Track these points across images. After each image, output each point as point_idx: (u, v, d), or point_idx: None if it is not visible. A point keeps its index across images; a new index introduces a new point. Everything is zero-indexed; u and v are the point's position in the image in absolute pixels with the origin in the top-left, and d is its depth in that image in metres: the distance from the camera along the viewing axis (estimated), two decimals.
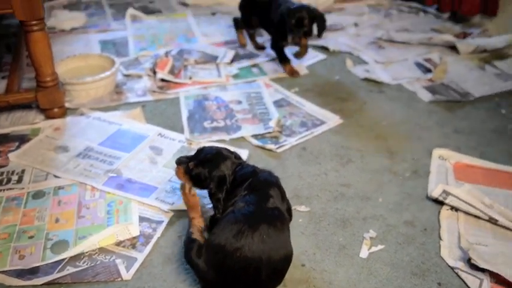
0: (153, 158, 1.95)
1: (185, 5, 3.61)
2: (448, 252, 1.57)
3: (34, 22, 1.98)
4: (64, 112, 2.21)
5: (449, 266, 1.52)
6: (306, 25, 2.47)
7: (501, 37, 2.99)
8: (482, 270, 1.49)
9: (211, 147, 1.61)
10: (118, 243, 1.55)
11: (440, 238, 1.63)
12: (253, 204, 1.36)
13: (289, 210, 1.52)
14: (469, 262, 1.51)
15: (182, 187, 1.55)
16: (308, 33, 2.54)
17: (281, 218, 1.38)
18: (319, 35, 2.58)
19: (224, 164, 1.52)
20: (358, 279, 1.46)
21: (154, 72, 2.52)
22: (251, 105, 2.33)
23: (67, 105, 2.26)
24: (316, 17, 2.51)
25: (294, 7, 2.50)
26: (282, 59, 2.68)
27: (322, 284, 1.44)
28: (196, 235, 1.43)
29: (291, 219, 1.52)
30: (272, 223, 1.32)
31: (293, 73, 2.64)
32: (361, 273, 1.48)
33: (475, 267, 1.49)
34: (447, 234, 1.64)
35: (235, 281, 1.29)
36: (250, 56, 2.82)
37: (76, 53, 2.60)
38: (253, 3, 2.77)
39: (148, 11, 3.47)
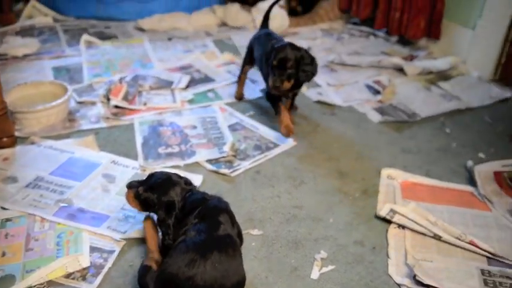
0: (106, 186, 1.93)
1: (142, 30, 3.63)
2: (395, 270, 1.63)
3: None
4: (14, 141, 2.16)
5: (396, 283, 1.57)
6: (289, 67, 2.15)
7: (445, 59, 3.16)
8: (427, 286, 1.54)
9: (161, 172, 1.63)
10: (68, 275, 1.52)
11: (388, 256, 1.68)
12: (204, 233, 1.38)
13: (239, 234, 1.55)
14: (414, 279, 1.57)
15: (145, 219, 1.57)
16: (291, 77, 2.18)
17: (232, 244, 1.40)
18: (306, 80, 2.25)
19: (173, 189, 1.54)
20: None
21: (108, 99, 2.51)
22: (206, 130, 2.36)
23: (17, 134, 2.22)
24: (304, 59, 2.18)
25: (278, 45, 2.22)
26: (277, 111, 2.32)
27: None
28: (152, 264, 1.44)
29: (242, 243, 1.54)
30: (224, 250, 1.34)
31: (288, 131, 2.22)
32: None
33: (420, 283, 1.55)
34: (394, 252, 1.70)
35: None
36: (205, 80, 2.86)
37: (28, 80, 2.56)
38: (256, 39, 2.54)
39: (104, 36, 3.46)
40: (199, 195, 1.55)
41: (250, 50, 2.57)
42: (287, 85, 2.19)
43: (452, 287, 1.54)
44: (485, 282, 1.58)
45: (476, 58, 3.05)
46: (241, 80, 2.66)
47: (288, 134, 2.23)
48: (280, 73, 2.16)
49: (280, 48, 2.18)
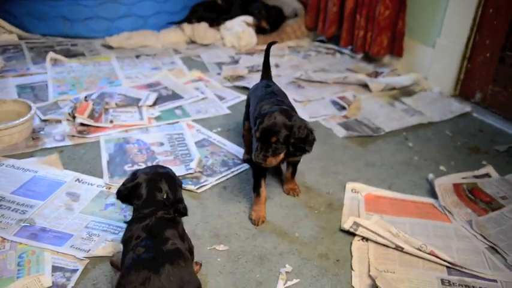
0: (70, 205, 1.91)
1: (109, 47, 3.62)
2: (359, 282, 1.66)
3: None
4: None
5: None
6: (274, 142, 1.72)
7: (407, 76, 3.26)
8: None
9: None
10: None
11: (352, 268, 1.71)
12: (153, 250, 1.37)
13: (190, 250, 1.53)
14: None
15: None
16: (277, 153, 1.75)
17: (183, 256, 1.39)
18: (297, 154, 1.84)
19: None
20: None
21: (74, 117, 2.49)
22: (173, 147, 2.36)
23: None
24: (296, 132, 1.73)
25: (265, 111, 1.77)
26: (254, 189, 1.91)
27: None
28: None
29: (193, 260, 1.53)
30: (175, 263, 1.34)
31: (258, 221, 1.87)
32: None
33: None
34: (358, 264, 1.73)
35: None
36: (173, 97, 2.87)
37: None
38: (252, 91, 2.20)
39: (70, 54, 3.44)
40: (148, 209, 1.51)
41: (247, 103, 2.21)
42: (272, 161, 1.75)
43: None
44: None
45: (437, 74, 3.17)
46: (245, 139, 2.28)
47: (257, 223, 1.88)
48: (263, 147, 1.73)
49: (266, 116, 1.73)
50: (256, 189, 1.91)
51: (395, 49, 3.42)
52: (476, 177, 2.25)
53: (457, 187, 2.16)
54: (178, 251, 1.38)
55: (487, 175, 2.27)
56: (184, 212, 1.54)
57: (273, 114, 1.74)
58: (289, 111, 1.80)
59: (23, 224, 1.78)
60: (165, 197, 1.51)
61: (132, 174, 1.58)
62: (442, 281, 1.67)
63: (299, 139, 1.75)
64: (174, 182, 1.58)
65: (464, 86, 3.07)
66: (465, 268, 1.72)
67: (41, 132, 2.42)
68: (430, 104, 2.98)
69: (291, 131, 1.73)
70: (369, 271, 1.69)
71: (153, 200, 1.50)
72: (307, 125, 1.80)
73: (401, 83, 3.18)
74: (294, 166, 2.06)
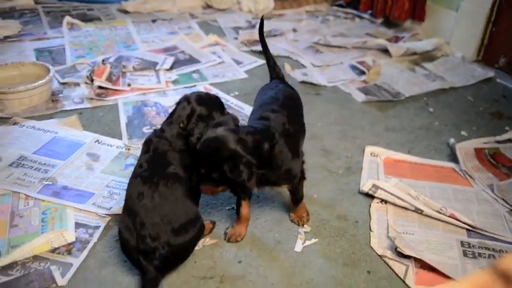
0: (90, 165, 1.93)
1: (125, 12, 3.59)
2: (377, 242, 1.66)
3: None
4: None
5: (378, 255, 1.61)
6: (211, 167, 1.39)
7: (429, 40, 3.18)
8: (408, 257, 1.58)
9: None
10: (53, 250, 1.53)
11: (370, 229, 1.71)
12: (152, 169, 1.48)
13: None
14: (396, 250, 1.60)
15: None
16: (221, 182, 1.42)
17: (180, 182, 1.46)
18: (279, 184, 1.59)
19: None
20: (292, 272, 1.52)
21: (92, 80, 2.49)
22: None
23: None
24: (225, 170, 1.36)
25: (206, 137, 1.42)
26: (236, 206, 1.66)
27: (258, 279, 1.49)
28: None
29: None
30: (169, 185, 1.44)
31: (231, 236, 1.62)
32: (296, 266, 1.54)
33: (402, 255, 1.59)
34: (377, 225, 1.73)
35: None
36: (190, 62, 2.85)
37: (9, 62, 2.52)
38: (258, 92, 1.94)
39: (86, 18, 3.42)
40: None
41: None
42: (207, 192, 1.50)
43: (433, 258, 1.58)
44: (465, 253, 1.62)
45: (460, 39, 3.08)
46: None
47: (228, 238, 1.62)
48: (198, 174, 1.44)
49: (205, 140, 1.42)
50: (237, 208, 1.65)
51: (417, 13, 3.33)
52: (498, 142, 2.22)
53: (478, 152, 2.13)
54: (177, 176, 1.45)
55: (510, 140, 2.23)
56: (192, 147, 1.49)
57: (211, 137, 1.40)
58: (241, 134, 1.41)
59: (46, 183, 1.80)
60: (181, 125, 1.56)
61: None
62: (462, 243, 1.66)
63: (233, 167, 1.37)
64: (202, 117, 1.58)
65: (487, 51, 2.99)
66: (485, 231, 1.70)
67: (60, 95, 2.43)
68: (452, 69, 2.91)
69: (220, 167, 1.37)
70: (388, 232, 1.69)
71: (173, 123, 1.57)
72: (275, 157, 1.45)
73: (422, 48, 3.10)
74: (292, 193, 1.69)
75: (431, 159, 2.11)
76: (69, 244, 1.55)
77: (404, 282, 1.50)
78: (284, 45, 3.15)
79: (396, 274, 1.53)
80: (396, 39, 3.30)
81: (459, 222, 1.73)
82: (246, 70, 2.80)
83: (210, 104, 1.61)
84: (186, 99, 1.61)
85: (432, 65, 2.96)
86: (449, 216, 1.74)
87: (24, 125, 2.15)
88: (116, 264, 1.51)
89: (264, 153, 1.42)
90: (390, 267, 1.55)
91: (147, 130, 2.18)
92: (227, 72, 2.77)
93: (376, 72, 2.84)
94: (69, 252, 1.52)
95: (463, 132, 2.31)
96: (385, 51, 3.10)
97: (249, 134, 1.43)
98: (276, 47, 3.11)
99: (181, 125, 1.56)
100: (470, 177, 1.99)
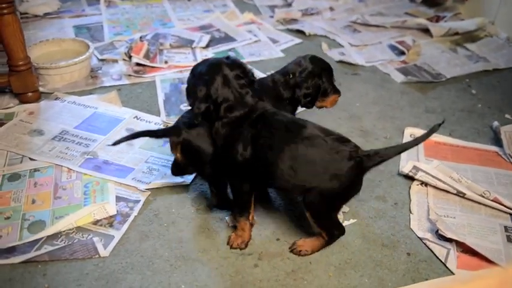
0: (130, 141, 1.95)
1: None
2: (417, 225, 1.63)
3: (3, 5, 1.96)
4: (38, 96, 2.19)
5: (418, 237, 1.58)
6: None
7: (472, 20, 3.06)
8: (450, 240, 1.55)
9: None
10: (95, 222, 1.56)
11: (410, 211, 1.68)
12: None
13: None
14: (437, 233, 1.57)
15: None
16: None
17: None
18: None
19: None
20: (331, 252, 1.51)
21: (130, 57, 2.51)
22: None
23: (41, 89, 2.24)
24: None
25: None
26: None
27: (295, 257, 1.49)
28: None
29: None
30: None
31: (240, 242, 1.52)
32: (334, 245, 1.53)
33: (443, 238, 1.56)
34: (417, 207, 1.70)
35: None
36: (226, 40, 2.83)
37: (49, 38, 2.56)
38: None
39: None
40: None
41: None
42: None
43: (475, 242, 1.54)
44: (509, 238, 1.58)
45: (505, 19, 2.95)
46: None
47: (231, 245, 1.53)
48: None
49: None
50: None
51: None
52: None
53: None
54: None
55: None
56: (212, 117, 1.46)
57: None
58: None
59: (87, 157, 1.84)
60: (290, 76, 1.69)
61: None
62: (506, 228, 1.62)
63: None
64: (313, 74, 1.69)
65: None
66: None
67: (99, 71, 2.46)
68: (496, 50, 2.80)
69: None
70: (428, 215, 1.65)
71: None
72: None
73: (465, 28, 2.99)
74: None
75: (473, 142, 2.04)
76: (111, 217, 1.58)
77: (445, 265, 1.48)
78: (321, 24, 3.09)
79: (437, 257, 1.50)
80: (437, 19, 3.19)
81: (503, 207, 1.68)
82: (282, 49, 2.77)
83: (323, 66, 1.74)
84: (302, 57, 1.74)
85: (475, 46, 2.85)
86: (492, 200, 1.69)
87: (65, 100, 2.19)
88: (155, 238, 1.53)
89: None
90: (431, 250, 1.53)
91: (184, 107, 2.18)
92: (263, 50, 2.74)
93: (416, 53, 2.76)
94: (110, 225, 1.56)
95: (507, 116, 2.23)
96: (426, 31, 3.00)
97: None
98: (312, 25, 3.05)
99: (290, 76, 1.69)
100: None
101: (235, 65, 1.48)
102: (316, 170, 1.37)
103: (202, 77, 1.44)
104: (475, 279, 0.46)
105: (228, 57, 1.51)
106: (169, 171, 1.77)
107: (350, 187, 1.43)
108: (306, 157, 1.37)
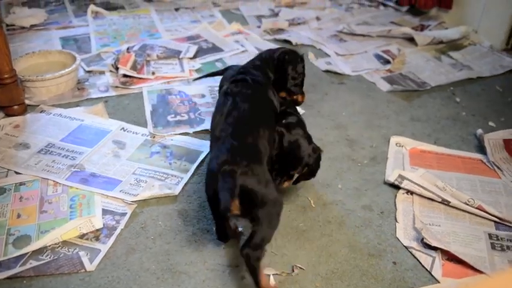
0: (117, 152, 1.95)
1: (148, 0, 3.59)
2: (403, 233, 1.64)
3: None
4: (24, 109, 2.18)
5: (404, 246, 1.59)
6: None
7: (456, 29, 3.11)
8: (435, 248, 1.56)
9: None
10: (81, 236, 1.56)
11: (396, 220, 1.70)
12: None
13: None
14: (422, 242, 1.59)
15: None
16: None
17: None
18: None
19: None
20: (317, 261, 1.52)
21: (117, 68, 2.51)
22: (214, 99, 2.36)
23: (27, 102, 2.23)
24: None
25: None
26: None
27: (283, 267, 1.49)
28: None
29: None
30: None
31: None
32: (321, 255, 1.54)
33: (428, 246, 1.57)
34: (402, 216, 1.71)
35: None
36: (213, 50, 2.85)
37: (36, 50, 2.56)
38: None
39: (110, 7, 3.44)
40: None
41: None
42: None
43: (460, 250, 1.56)
44: (493, 246, 1.60)
45: (488, 27, 3.01)
46: None
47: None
48: None
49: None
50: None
51: (444, 1, 3.25)
52: None
53: (507, 143, 2.08)
54: None
55: None
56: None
57: None
58: None
59: (74, 170, 1.83)
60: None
61: None
62: (490, 236, 1.64)
63: None
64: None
65: None
66: None
67: (86, 83, 2.46)
68: (480, 59, 2.85)
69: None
70: (414, 223, 1.67)
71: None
72: None
73: (449, 37, 3.03)
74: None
75: (458, 150, 2.07)
76: (97, 230, 1.58)
77: (430, 273, 1.49)
78: (307, 33, 3.12)
79: (422, 265, 1.52)
80: (422, 28, 3.24)
81: (487, 214, 1.70)
82: None
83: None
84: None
85: (459, 54, 2.90)
86: (477, 208, 1.71)
87: (51, 113, 2.18)
88: (142, 251, 1.53)
89: None
90: (417, 259, 1.54)
91: (172, 119, 2.19)
92: None
93: (401, 61, 2.79)
94: (96, 239, 1.55)
95: (491, 123, 2.26)
96: (411, 39, 3.04)
97: None
98: (299, 35, 3.08)
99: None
100: (499, 168, 1.95)
101: None
102: None
103: None
104: None
105: None
106: (157, 182, 1.77)
107: None
108: None
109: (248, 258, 1.32)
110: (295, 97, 1.98)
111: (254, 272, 1.34)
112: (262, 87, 1.73)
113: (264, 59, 1.97)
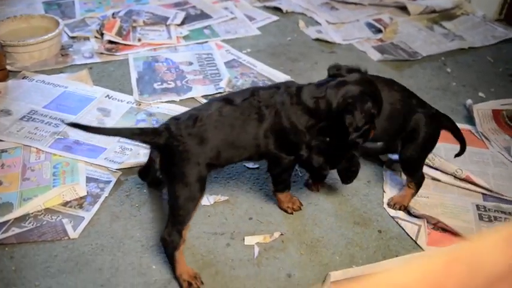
0: (102, 120, 1.92)
1: None
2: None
3: None
4: (6, 75, 2.12)
5: (390, 215, 1.59)
6: None
7: None
8: (421, 217, 1.56)
9: None
10: (65, 204, 1.54)
11: (383, 190, 1.69)
12: None
13: None
14: (408, 211, 1.59)
15: None
16: None
17: None
18: None
19: None
20: (303, 230, 1.52)
21: (102, 34, 2.44)
22: (202, 67, 2.31)
23: (9, 68, 2.17)
24: None
25: None
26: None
27: (268, 236, 1.48)
28: None
29: None
30: None
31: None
32: (306, 224, 1.54)
33: (414, 216, 1.57)
34: (390, 187, 1.71)
35: None
36: (202, 17, 2.78)
37: (18, 14, 2.47)
38: None
39: None
40: None
41: None
42: None
43: (447, 222, 1.56)
44: (481, 217, 1.61)
45: None
46: None
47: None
48: None
49: None
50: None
51: None
52: None
53: (496, 113, 2.08)
54: None
55: None
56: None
57: None
58: None
59: (57, 137, 1.80)
60: None
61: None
62: (478, 207, 1.64)
63: None
64: None
65: (510, 10, 2.86)
66: (501, 194, 1.68)
67: (70, 49, 2.39)
68: (472, 29, 2.81)
69: None
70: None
71: None
72: None
73: (442, 6, 2.98)
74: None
75: None
76: (81, 198, 1.56)
77: (415, 242, 1.49)
78: (298, 1, 3.05)
79: (408, 234, 1.52)
80: None
81: (474, 186, 1.70)
82: (259, 26, 2.72)
83: None
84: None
85: (451, 24, 2.85)
86: (464, 179, 1.71)
87: (34, 79, 2.13)
88: (127, 219, 1.51)
89: None
90: (402, 228, 1.55)
91: (158, 86, 2.14)
92: (239, 28, 2.70)
93: (393, 31, 2.75)
94: (80, 206, 1.53)
95: (480, 94, 2.25)
96: (403, 8, 2.98)
97: None
98: (290, 2, 3.00)
99: None
100: (487, 139, 1.95)
101: None
102: None
103: None
104: (421, 259, 0.45)
105: None
106: (142, 150, 1.74)
107: None
108: None
109: None
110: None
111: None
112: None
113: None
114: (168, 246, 1.33)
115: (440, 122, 1.64)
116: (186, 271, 1.34)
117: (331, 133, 1.42)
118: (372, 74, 1.63)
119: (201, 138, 1.33)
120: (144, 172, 1.58)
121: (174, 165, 1.32)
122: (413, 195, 1.62)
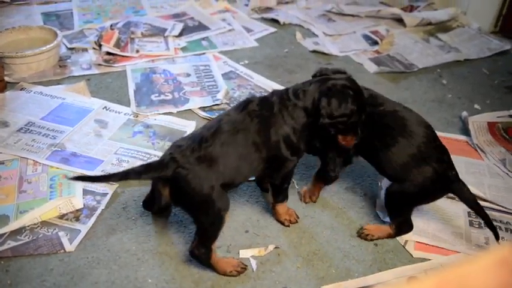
0: (99, 131, 1.92)
1: None
2: (382, 213, 1.64)
3: None
4: (4, 86, 2.13)
5: (383, 221, 1.60)
6: None
7: (445, 10, 3.08)
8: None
9: None
10: (61, 217, 1.54)
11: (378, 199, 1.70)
12: None
13: None
14: None
15: None
16: None
17: None
18: None
19: None
20: (299, 243, 1.52)
21: (100, 46, 2.46)
22: (200, 78, 2.32)
23: (7, 79, 2.18)
24: None
25: None
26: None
27: (264, 249, 1.48)
28: None
29: None
30: None
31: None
32: (303, 237, 1.54)
33: None
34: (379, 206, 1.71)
35: None
36: (200, 28, 2.79)
37: (16, 26, 2.49)
38: None
39: None
40: None
41: None
42: None
43: (439, 227, 1.58)
44: (471, 223, 1.63)
45: (477, 9, 2.99)
46: None
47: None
48: None
49: None
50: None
51: None
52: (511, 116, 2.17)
53: (491, 126, 2.09)
54: None
55: None
56: None
57: None
58: None
59: (54, 149, 1.80)
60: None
61: None
62: (469, 214, 1.66)
63: None
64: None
65: (505, 22, 2.89)
66: (495, 204, 1.69)
67: (68, 61, 2.40)
68: (468, 41, 2.83)
69: None
70: None
71: None
72: None
73: (437, 18, 3.01)
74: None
75: (443, 132, 2.07)
76: (77, 211, 1.56)
77: (404, 247, 1.53)
78: (296, 13, 3.07)
79: (401, 244, 1.52)
80: (411, 9, 3.21)
81: None
82: (256, 38, 2.74)
83: None
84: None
85: (447, 36, 2.88)
86: None
87: (31, 91, 2.14)
88: (123, 231, 1.51)
89: None
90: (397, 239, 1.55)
91: (156, 98, 2.15)
92: (237, 40, 2.71)
93: (390, 43, 2.77)
94: (77, 219, 1.53)
95: (476, 106, 2.26)
96: (399, 20, 3.01)
97: None
98: (287, 14, 3.03)
99: None
100: (482, 151, 1.96)
101: None
102: None
103: None
104: (412, 282, 0.46)
105: None
106: (140, 163, 1.74)
107: None
108: None
109: None
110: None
111: None
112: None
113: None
114: (199, 258, 1.38)
115: (445, 186, 1.50)
116: (228, 267, 1.39)
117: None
118: (406, 107, 1.65)
119: (211, 160, 1.31)
120: (149, 203, 1.55)
121: (187, 195, 1.31)
122: (389, 236, 1.53)
